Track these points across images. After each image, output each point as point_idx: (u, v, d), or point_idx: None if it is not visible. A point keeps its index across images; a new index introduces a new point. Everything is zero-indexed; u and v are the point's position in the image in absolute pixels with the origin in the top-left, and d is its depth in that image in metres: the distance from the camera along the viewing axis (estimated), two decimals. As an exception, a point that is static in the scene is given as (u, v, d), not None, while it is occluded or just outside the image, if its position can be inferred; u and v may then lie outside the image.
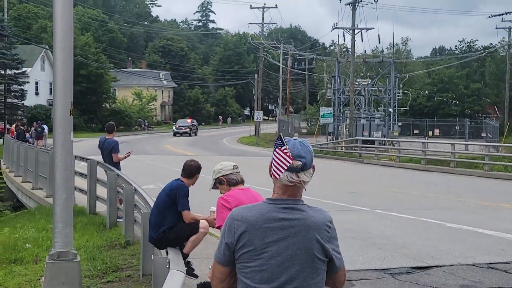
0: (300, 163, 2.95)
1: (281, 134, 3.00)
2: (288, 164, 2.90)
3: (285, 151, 2.91)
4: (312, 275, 2.93)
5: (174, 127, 71.70)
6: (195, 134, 71.08)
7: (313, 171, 3.03)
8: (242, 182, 6.30)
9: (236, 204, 5.81)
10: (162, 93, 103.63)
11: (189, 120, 74.31)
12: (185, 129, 70.23)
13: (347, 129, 48.82)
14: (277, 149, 2.93)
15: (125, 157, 14.17)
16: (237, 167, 6.37)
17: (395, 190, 20.75)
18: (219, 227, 5.92)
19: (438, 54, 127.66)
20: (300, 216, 2.95)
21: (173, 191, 7.62)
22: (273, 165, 2.95)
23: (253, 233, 2.93)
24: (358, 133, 49.65)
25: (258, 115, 63.39)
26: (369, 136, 49.03)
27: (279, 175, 2.93)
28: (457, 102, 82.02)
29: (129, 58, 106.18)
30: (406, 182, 24.03)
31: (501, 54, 78.02)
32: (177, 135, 68.92)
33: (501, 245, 11.16)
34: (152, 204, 8.26)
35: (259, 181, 20.36)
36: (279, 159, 2.92)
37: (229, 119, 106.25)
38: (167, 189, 7.71)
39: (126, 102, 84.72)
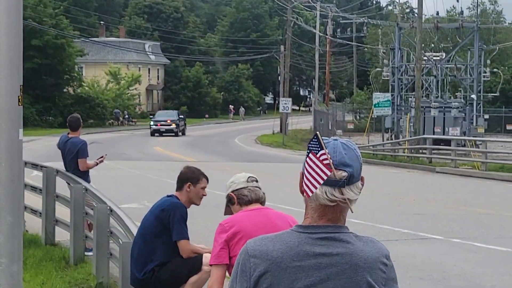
0: (345, 174, 2.92)
1: (318, 133, 2.93)
2: (326, 176, 2.86)
3: (322, 157, 2.87)
4: None
5: (150, 123, 67.96)
6: (183, 133, 68.49)
7: (362, 185, 3.00)
8: (258, 200, 6.19)
9: (233, 232, 5.79)
10: (149, 72, 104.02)
11: (172, 112, 71.20)
12: (168, 125, 66.07)
13: (411, 124, 48.67)
14: (310, 154, 2.89)
15: (97, 164, 14.21)
16: (255, 180, 6.30)
17: (480, 210, 20.65)
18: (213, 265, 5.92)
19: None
20: (344, 250, 2.92)
21: (165, 212, 7.62)
22: (305, 178, 2.91)
23: (278, 275, 2.91)
24: (428, 130, 49.43)
25: (285, 103, 63.37)
26: (443, 134, 48.82)
27: (312, 191, 2.89)
28: None
29: (102, 22, 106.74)
30: (497, 199, 23.86)
31: None
32: (155, 134, 65.76)
33: None
34: (135, 231, 8.26)
35: (287, 197, 20.34)
36: (313, 169, 2.88)
37: (241, 110, 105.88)
38: (156, 210, 7.71)
39: (98, 85, 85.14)
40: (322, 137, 2.92)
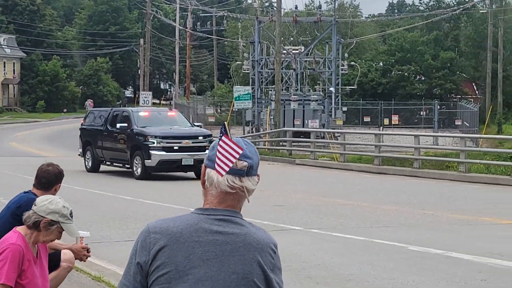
0: (246, 163, 3.22)
1: (225, 123, 3.28)
2: (236, 158, 3.16)
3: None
4: None
5: (151, 143, 27.56)
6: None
7: (258, 180, 3.31)
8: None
9: None
10: (4, 66, 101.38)
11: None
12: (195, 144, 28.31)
13: (271, 117, 49.23)
14: (223, 137, 3.17)
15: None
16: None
17: (338, 201, 21.12)
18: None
19: (396, 11, 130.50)
20: (239, 231, 3.20)
21: (22, 208, 7.47)
22: (217, 159, 3.16)
23: (176, 249, 3.13)
24: (288, 122, 50.10)
25: (146, 97, 62.94)
26: (303, 127, 49.59)
27: (225, 170, 3.15)
28: (423, 78, 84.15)
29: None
30: (354, 190, 24.42)
31: (480, 11, 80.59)
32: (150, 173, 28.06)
33: (482, 273, 11.57)
34: (-10, 228, 8.06)
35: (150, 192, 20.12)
36: (226, 150, 3.16)
37: (87, 102, 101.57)
38: (12, 206, 7.57)
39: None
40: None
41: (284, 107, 51.15)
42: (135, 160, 27.43)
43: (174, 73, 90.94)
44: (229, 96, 66.92)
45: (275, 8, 53.96)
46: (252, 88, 53.27)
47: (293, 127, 47.73)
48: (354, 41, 71.46)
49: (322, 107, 53.80)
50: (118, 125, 28.25)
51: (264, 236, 3.24)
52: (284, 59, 56.48)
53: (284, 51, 55.77)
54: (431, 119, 66.13)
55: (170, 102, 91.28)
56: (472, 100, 77.57)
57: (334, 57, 56.37)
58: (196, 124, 32.00)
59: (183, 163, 27.31)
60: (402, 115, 69.42)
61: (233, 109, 53.18)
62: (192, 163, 27.25)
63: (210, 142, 27.42)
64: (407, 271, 11.73)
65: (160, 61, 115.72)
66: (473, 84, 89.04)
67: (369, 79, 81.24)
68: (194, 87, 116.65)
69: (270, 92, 55.52)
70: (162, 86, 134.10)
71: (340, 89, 58.29)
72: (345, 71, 61.22)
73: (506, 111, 72.02)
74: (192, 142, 27.73)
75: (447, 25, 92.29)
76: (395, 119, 66.43)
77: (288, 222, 16.82)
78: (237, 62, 74.99)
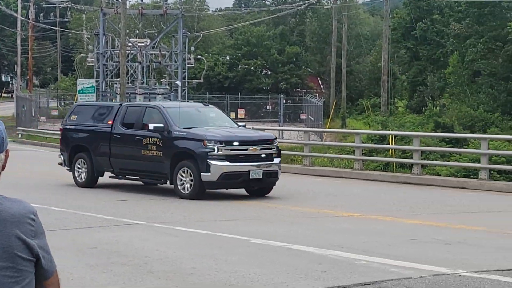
0: None
1: None
2: None
3: None
4: (15, 279, 3.33)
5: (216, 150, 20.85)
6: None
7: (6, 157, 3.46)
8: None
9: None
10: None
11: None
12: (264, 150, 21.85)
13: (116, 110, 48.70)
14: None
15: None
16: None
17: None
18: None
19: (243, 5, 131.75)
20: None
21: None
22: None
23: None
24: (133, 116, 49.73)
25: (-15, 90, 61.22)
26: (149, 120, 49.32)
27: None
28: (269, 73, 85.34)
29: None
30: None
31: (325, 7, 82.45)
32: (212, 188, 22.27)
33: (322, 265, 11.82)
34: None
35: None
36: None
37: None
38: None
39: None
40: None
41: (130, 100, 50.76)
42: (180, 173, 20.78)
43: (16, 65, 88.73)
44: (73, 89, 65.75)
45: (120, 0, 53.43)
46: (97, 81, 52.67)
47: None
48: (201, 35, 71.66)
49: (169, 100, 53.70)
50: (151, 126, 21.36)
51: (19, 208, 3.39)
52: (130, 52, 56.03)
53: (130, 44, 55.31)
54: (277, 113, 67.16)
55: (12, 95, 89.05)
56: (317, 94, 79.18)
57: (181, 50, 56.38)
58: (239, 124, 24.25)
59: (251, 177, 20.85)
60: (248, 109, 70.20)
61: (77, 102, 52.35)
62: (261, 177, 21.01)
63: (278, 148, 22.26)
64: (249, 263, 11.86)
65: (1, 53, 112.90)
66: (318, 78, 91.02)
67: (215, 73, 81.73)
68: (37, 79, 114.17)
69: (115, 85, 54.90)
70: (3, 79, 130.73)
71: (186, 82, 58.30)
72: (192, 64, 61.28)
73: (350, 106, 73.99)
74: (260, 149, 21.35)
75: (293, 20, 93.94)
76: (241, 113, 67.07)
77: (131, 216, 16.74)
78: (82, 55, 73.84)
